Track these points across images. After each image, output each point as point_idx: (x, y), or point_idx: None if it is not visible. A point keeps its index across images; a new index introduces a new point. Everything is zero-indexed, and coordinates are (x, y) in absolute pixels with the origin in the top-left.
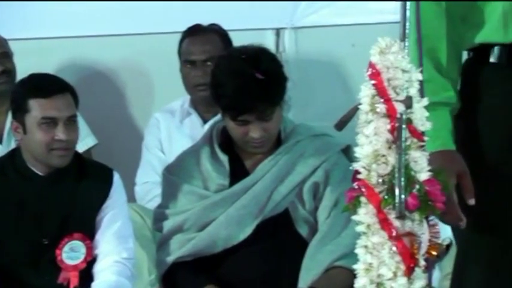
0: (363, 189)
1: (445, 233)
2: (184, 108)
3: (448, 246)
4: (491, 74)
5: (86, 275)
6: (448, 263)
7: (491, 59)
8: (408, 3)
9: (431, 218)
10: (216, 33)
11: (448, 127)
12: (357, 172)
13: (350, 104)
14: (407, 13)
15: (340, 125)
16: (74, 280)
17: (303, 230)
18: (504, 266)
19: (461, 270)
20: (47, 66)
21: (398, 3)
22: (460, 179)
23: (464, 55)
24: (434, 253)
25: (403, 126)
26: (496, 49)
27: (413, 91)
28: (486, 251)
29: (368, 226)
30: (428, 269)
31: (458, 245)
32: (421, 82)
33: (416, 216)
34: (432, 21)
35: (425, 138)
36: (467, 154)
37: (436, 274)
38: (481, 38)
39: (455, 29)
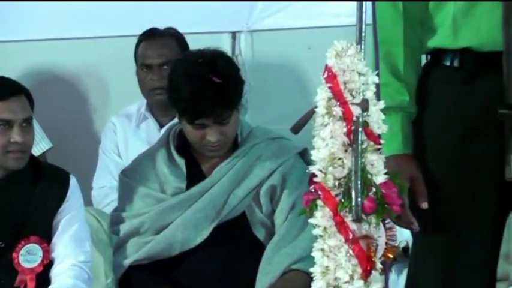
0: (320, 192)
1: (401, 236)
2: (140, 112)
3: (405, 249)
4: (445, 76)
5: (43, 278)
6: None
7: (445, 62)
8: (364, 5)
9: (387, 221)
10: (173, 36)
11: (404, 131)
12: (314, 175)
13: (306, 107)
14: (364, 15)
15: (297, 128)
16: (31, 283)
17: (260, 234)
18: (456, 267)
19: (415, 273)
20: (2, 70)
21: (355, 6)
22: (412, 183)
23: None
24: (390, 256)
25: (360, 129)
26: (448, 53)
27: (370, 94)
28: (438, 253)
29: (325, 229)
30: (385, 272)
31: (412, 248)
32: (377, 85)
33: (372, 219)
34: (389, 26)
35: (382, 141)
36: (422, 155)
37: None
38: (433, 43)
39: (414, 33)
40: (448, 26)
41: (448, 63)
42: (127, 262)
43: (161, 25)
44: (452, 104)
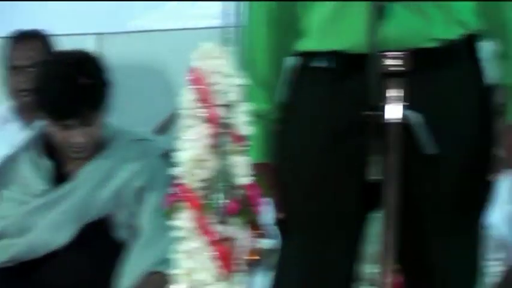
0: (183, 194)
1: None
2: (5, 114)
3: (270, 251)
4: (312, 78)
5: None
6: None
7: (312, 64)
8: (232, 7)
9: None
10: (39, 38)
11: (260, 140)
12: (177, 177)
13: (172, 109)
14: (231, 18)
15: (160, 129)
16: None
17: (124, 235)
18: (318, 267)
19: (279, 274)
20: None
21: (222, 8)
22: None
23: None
24: (255, 257)
25: (224, 131)
26: (316, 56)
27: (235, 96)
28: (301, 253)
29: (188, 231)
30: (249, 273)
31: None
32: (242, 87)
33: (237, 220)
34: (254, 29)
35: (247, 143)
36: (288, 156)
37: None
38: (301, 45)
39: (282, 38)
40: (316, 28)
41: (315, 65)
42: None
43: (28, 27)
44: (319, 106)
